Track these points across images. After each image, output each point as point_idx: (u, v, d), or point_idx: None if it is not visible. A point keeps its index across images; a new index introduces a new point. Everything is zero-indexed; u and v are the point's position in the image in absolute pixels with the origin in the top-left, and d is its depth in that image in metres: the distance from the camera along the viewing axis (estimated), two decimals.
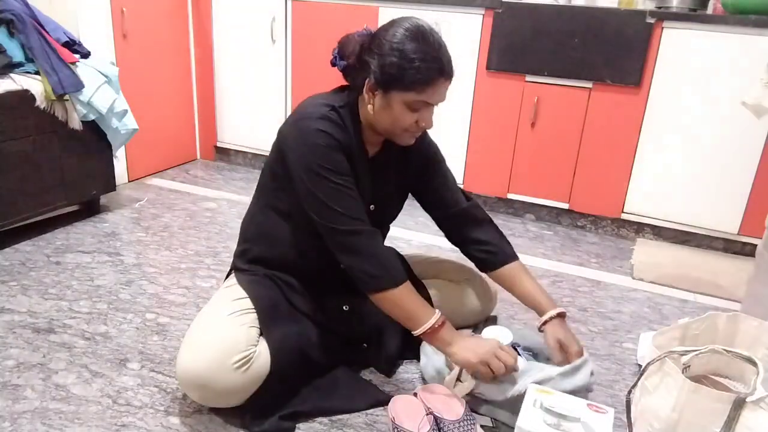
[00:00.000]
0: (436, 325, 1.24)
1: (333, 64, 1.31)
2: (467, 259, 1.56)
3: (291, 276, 1.38)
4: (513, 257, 1.48)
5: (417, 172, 1.46)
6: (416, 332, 1.25)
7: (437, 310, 1.26)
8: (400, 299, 1.24)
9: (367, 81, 1.22)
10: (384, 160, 1.38)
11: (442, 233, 1.52)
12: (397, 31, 1.19)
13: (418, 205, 1.53)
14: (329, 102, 1.27)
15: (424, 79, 1.18)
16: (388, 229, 1.54)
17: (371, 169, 1.35)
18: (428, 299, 1.48)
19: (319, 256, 1.33)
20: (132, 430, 1.21)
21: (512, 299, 1.87)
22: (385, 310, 1.27)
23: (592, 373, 1.32)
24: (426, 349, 1.41)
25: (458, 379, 1.28)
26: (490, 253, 1.48)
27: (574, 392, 1.25)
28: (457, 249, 1.54)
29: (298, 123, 1.24)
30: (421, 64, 1.17)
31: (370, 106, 1.25)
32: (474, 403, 1.28)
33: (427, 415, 1.20)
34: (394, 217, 1.51)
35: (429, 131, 1.38)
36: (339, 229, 1.23)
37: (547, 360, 1.40)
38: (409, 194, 1.52)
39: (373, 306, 1.39)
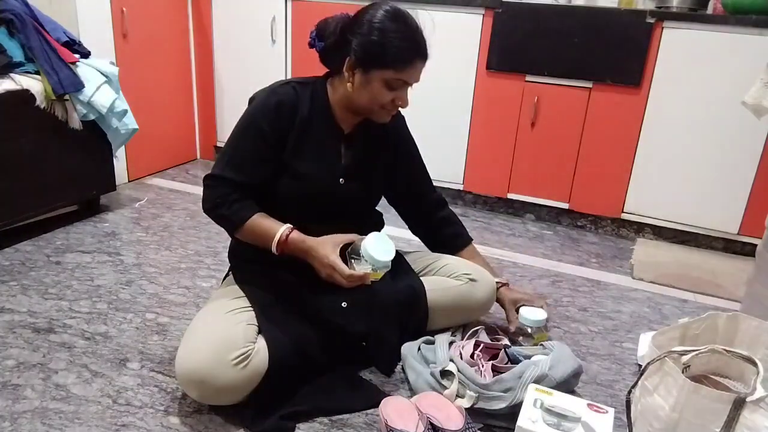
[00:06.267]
0: (287, 232, 1.28)
1: (311, 46, 1.36)
2: (465, 258, 1.61)
3: (287, 273, 1.38)
4: (470, 239, 1.67)
5: (399, 150, 1.53)
6: (273, 247, 1.29)
7: (286, 224, 1.31)
8: (251, 229, 1.31)
9: (347, 60, 1.28)
10: (361, 137, 1.43)
11: None
12: (378, 12, 1.26)
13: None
14: (287, 81, 1.37)
15: (404, 58, 1.26)
16: (370, 214, 1.55)
17: (346, 145, 1.41)
18: (426, 300, 1.49)
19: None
20: (132, 430, 1.21)
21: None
22: (248, 240, 1.34)
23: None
24: (414, 364, 1.38)
25: (458, 395, 1.28)
26: (457, 236, 1.65)
27: (570, 379, 1.28)
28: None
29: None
30: (401, 44, 1.25)
31: (349, 84, 1.31)
32: (474, 414, 1.26)
33: (420, 415, 1.19)
34: (370, 198, 1.51)
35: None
36: (214, 168, 1.33)
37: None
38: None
39: (372, 303, 1.39)
